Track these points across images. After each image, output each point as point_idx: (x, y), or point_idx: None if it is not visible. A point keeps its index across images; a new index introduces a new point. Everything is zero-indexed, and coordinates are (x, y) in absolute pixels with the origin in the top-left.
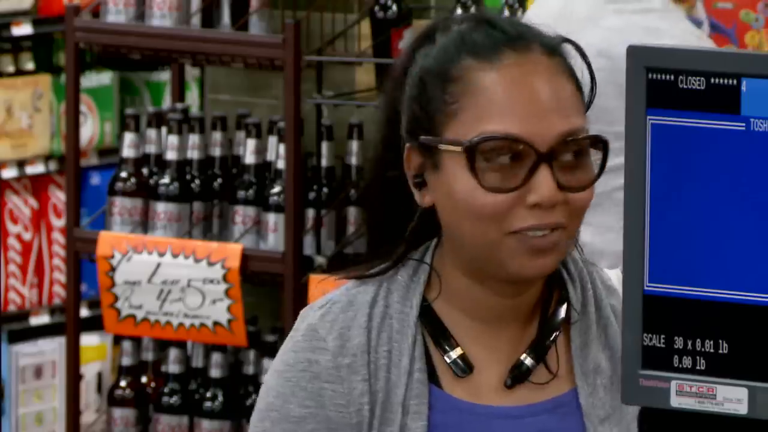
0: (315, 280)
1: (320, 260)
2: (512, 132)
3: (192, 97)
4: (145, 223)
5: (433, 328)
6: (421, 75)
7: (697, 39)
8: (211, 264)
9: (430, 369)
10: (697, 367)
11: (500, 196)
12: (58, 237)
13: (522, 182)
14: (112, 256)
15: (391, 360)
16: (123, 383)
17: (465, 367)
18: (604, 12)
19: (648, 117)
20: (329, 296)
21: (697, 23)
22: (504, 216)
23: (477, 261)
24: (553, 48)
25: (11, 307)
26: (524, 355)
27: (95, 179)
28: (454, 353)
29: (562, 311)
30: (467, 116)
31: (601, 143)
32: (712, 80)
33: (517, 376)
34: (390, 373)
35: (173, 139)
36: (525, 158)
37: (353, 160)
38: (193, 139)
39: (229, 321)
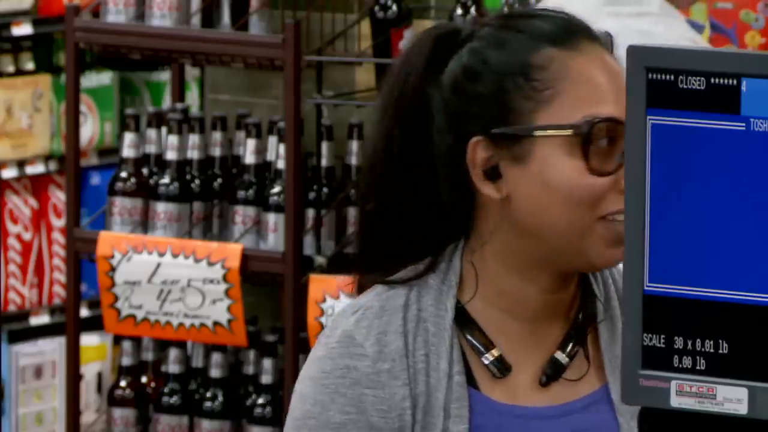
0: (315, 280)
1: (320, 260)
2: (615, 115)
3: (192, 97)
4: (145, 223)
5: (469, 330)
6: (488, 69)
7: (693, 44)
8: (211, 264)
9: (467, 371)
10: (697, 367)
11: (600, 180)
12: (58, 237)
13: (617, 166)
14: (112, 256)
15: (429, 364)
16: (123, 383)
17: (503, 368)
18: (600, 15)
19: (648, 117)
20: (360, 302)
21: (699, 27)
22: (599, 200)
23: (553, 252)
24: (605, 40)
25: (11, 307)
26: (558, 352)
27: (95, 179)
28: (492, 354)
29: (590, 307)
30: (566, 101)
31: None
32: (712, 80)
33: (552, 373)
34: (429, 377)
35: (173, 139)
36: (618, 142)
37: (353, 160)
38: (193, 139)
39: (229, 321)
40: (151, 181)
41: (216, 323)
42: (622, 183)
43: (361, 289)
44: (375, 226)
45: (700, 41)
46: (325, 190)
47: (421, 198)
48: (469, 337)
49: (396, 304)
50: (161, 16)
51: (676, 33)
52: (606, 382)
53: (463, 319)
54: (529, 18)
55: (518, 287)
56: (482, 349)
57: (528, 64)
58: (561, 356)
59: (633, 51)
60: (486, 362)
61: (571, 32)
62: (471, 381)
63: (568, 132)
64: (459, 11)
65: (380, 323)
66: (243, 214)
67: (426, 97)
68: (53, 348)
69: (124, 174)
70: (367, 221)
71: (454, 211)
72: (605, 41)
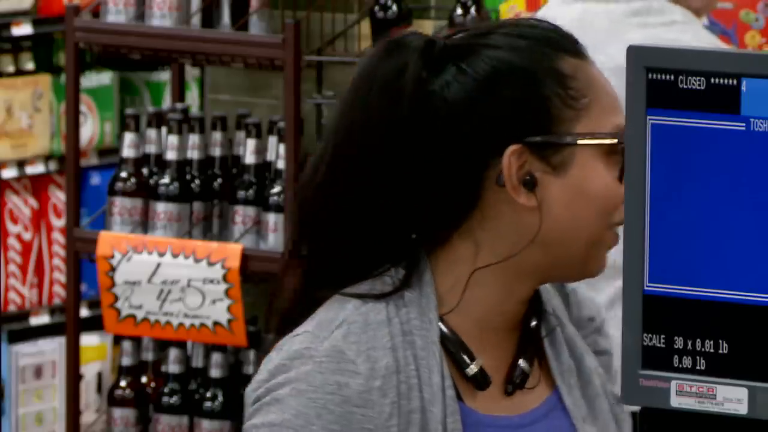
0: None
1: None
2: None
3: (192, 97)
4: (145, 223)
5: (452, 342)
6: (521, 74)
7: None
8: (211, 264)
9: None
10: (697, 367)
11: (623, 187)
12: (58, 237)
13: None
14: (112, 256)
15: (420, 379)
16: (123, 383)
17: (485, 380)
18: (628, 25)
19: (648, 117)
20: (340, 316)
21: (709, 28)
22: (620, 208)
23: (561, 261)
24: None
25: (11, 307)
26: (522, 360)
27: (95, 179)
28: (474, 366)
29: (542, 315)
30: (599, 109)
31: None
32: (712, 80)
33: (517, 381)
34: (422, 392)
35: (173, 139)
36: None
37: None
38: (193, 139)
39: (229, 321)
40: (151, 181)
41: (216, 323)
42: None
43: (310, 302)
44: (338, 236)
45: (724, 47)
46: None
47: (400, 206)
48: (453, 350)
49: (378, 318)
50: (161, 16)
51: (702, 40)
52: (555, 388)
53: (445, 331)
54: (525, 27)
55: (501, 297)
56: (466, 362)
57: (561, 72)
58: (524, 364)
59: (633, 51)
60: (469, 375)
61: (575, 41)
62: (457, 394)
63: (613, 140)
64: (459, 11)
65: (367, 338)
66: (243, 214)
67: (424, 102)
68: (53, 348)
69: (124, 174)
70: (324, 230)
71: (440, 220)
72: None
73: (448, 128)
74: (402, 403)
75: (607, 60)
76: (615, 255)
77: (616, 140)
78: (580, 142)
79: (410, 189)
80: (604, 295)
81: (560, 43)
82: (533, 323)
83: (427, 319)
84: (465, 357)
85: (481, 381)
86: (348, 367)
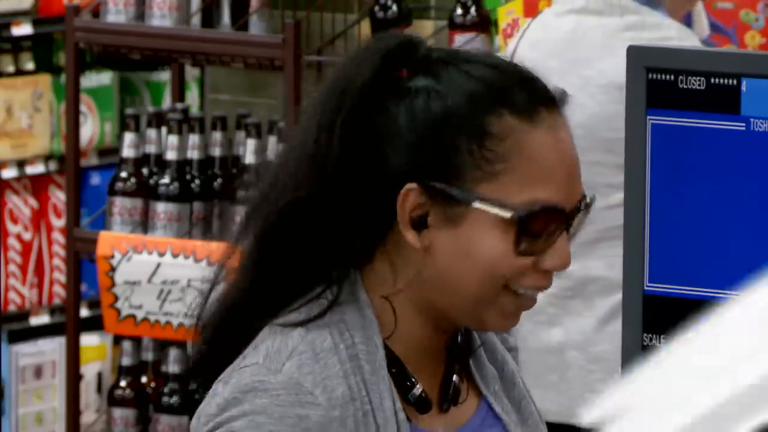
0: None
1: None
2: (557, 201)
3: (192, 97)
4: (145, 223)
5: (396, 367)
6: (446, 119)
7: None
8: (211, 264)
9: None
10: None
11: (523, 260)
12: (58, 237)
13: (546, 246)
14: (112, 256)
15: (372, 404)
16: (123, 383)
17: (426, 402)
18: (621, 40)
19: (648, 117)
20: (289, 345)
21: (703, 41)
22: (516, 277)
23: (450, 309)
24: (562, 104)
25: (11, 307)
26: (455, 376)
27: (95, 179)
28: (417, 389)
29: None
30: (514, 179)
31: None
32: (712, 80)
33: (452, 397)
34: (376, 417)
35: (173, 139)
36: (554, 226)
37: None
38: (193, 139)
39: None
40: (151, 181)
41: None
42: (549, 263)
43: (243, 334)
44: (279, 266)
45: None
46: None
47: (335, 226)
48: (397, 374)
49: (325, 345)
50: (161, 16)
51: None
52: (482, 397)
53: (387, 355)
54: (492, 68)
55: (423, 327)
56: (408, 385)
57: (485, 129)
58: (456, 380)
59: (633, 51)
60: (413, 398)
61: (533, 100)
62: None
63: (508, 214)
64: (459, 11)
65: (320, 368)
66: (243, 215)
67: (377, 120)
68: (53, 348)
69: (124, 174)
70: (264, 251)
71: (360, 244)
72: (561, 100)
73: (378, 148)
74: (360, 431)
75: (597, 75)
76: (607, 271)
77: (510, 215)
78: (475, 204)
79: (341, 210)
80: (599, 311)
81: (508, 99)
82: (459, 338)
83: (373, 344)
84: (407, 380)
85: (423, 403)
86: (307, 398)
